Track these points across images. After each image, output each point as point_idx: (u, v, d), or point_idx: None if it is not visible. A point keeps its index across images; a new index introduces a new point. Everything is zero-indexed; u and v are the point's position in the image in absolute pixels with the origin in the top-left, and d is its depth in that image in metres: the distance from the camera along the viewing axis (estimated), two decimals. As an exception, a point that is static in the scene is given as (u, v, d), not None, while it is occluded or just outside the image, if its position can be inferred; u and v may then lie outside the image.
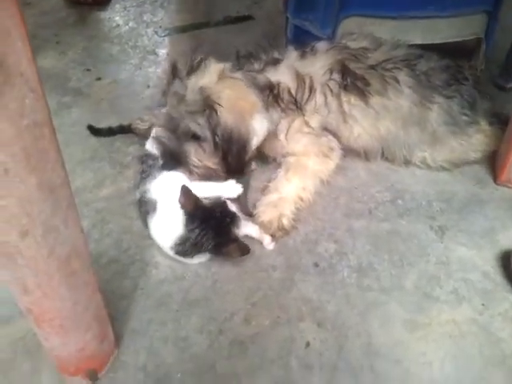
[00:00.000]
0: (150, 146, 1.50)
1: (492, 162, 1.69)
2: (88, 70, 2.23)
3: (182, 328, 1.18)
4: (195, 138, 1.42)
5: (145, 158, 1.51)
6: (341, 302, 1.25)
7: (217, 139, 1.41)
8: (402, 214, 1.51)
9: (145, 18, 2.70)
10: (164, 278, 1.31)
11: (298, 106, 1.52)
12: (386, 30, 1.86)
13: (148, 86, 2.13)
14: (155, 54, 2.39)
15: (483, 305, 1.25)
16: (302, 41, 1.81)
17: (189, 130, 1.40)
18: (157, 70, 2.25)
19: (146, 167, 1.47)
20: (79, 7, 2.77)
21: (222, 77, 1.43)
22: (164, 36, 2.55)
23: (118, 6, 2.82)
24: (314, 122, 1.56)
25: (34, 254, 0.79)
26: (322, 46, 1.65)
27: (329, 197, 1.57)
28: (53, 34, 2.49)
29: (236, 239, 1.30)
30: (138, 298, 1.25)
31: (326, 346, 1.15)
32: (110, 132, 1.82)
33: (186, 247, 1.28)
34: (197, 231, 1.26)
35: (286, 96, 1.51)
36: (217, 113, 1.37)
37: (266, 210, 1.46)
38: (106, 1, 2.84)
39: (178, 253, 1.31)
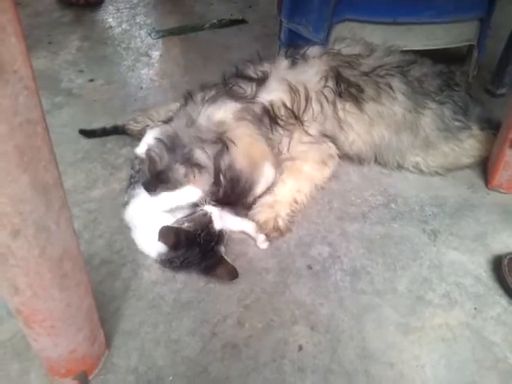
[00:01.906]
0: (140, 151, 1.48)
1: (484, 167, 1.70)
2: (81, 71, 2.22)
3: (174, 330, 1.17)
4: (192, 163, 1.39)
5: (134, 162, 1.50)
6: (334, 305, 1.24)
7: (221, 176, 1.40)
8: (395, 218, 1.51)
9: (138, 20, 2.70)
10: (156, 280, 1.30)
11: (296, 118, 1.51)
12: (379, 35, 1.87)
13: (141, 88, 2.12)
14: (148, 55, 2.38)
15: (475, 309, 1.25)
16: (296, 45, 1.82)
17: (192, 154, 1.38)
18: (150, 72, 2.24)
19: (135, 172, 1.46)
20: (72, 8, 2.76)
21: (238, 118, 1.43)
22: (157, 38, 2.54)
23: (111, 7, 2.82)
24: (313, 129, 1.55)
25: (25, 253, 0.77)
26: (313, 51, 1.65)
27: (322, 200, 1.57)
28: (46, 34, 2.48)
29: (222, 261, 1.27)
30: (129, 299, 1.24)
31: (320, 349, 1.14)
32: (103, 132, 1.81)
33: (171, 266, 1.28)
34: (181, 258, 1.25)
35: (283, 112, 1.50)
36: (227, 151, 1.38)
37: (262, 211, 1.46)
38: (98, 2, 2.84)
39: (163, 265, 1.30)
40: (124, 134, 1.78)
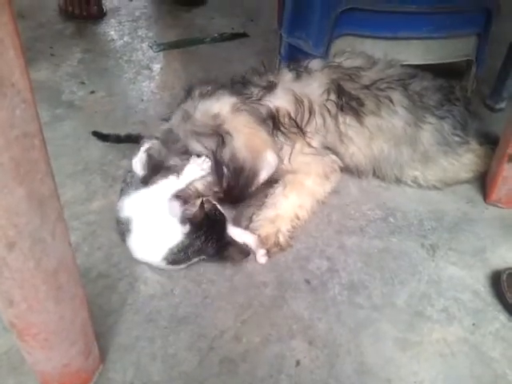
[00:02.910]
0: (135, 163, 1.46)
1: (482, 182, 1.70)
2: (82, 83, 2.23)
3: (171, 345, 1.16)
4: (186, 154, 1.42)
5: (127, 174, 1.49)
6: (332, 320, 1.24)
7: (224, 169, 1.43)
8: (394, 232, 1.51)
9: (139, 33, 2.71)
10: (153, 294, 1.29)
11: (299, 129, 1.52)
12: (379, 49, 1.88)
13: (142, 100, 2.13)
14: (149, 68, 2.40)
15: (474, 324, 1.25)
16: (296, 59, 1.83)
17: (187, 147, 1.41)
18: (151, 85, 2.25)
19: (125, 184, 1.45)
20: (74, 21, 2.78)
21: (234, 110, 1.44)
22: (158, 51, 2.56)
23: (113, 20, 2.84)
24: (315, 142, 1.56)
25: (20, 266, 0.77)
26: (315, 64, 1.65)
27: (321, 214, 1.57)
28: (47, 46, 2.50)
29: (233, 240, 1.32)
30: (126, 313, 1.23)
31: (317, 364, 1.13)
32: (117, 139, 1.82)
33: (185, 255, 1.28)
34: (203, 238, 1.28)
35: (286, 121, 1.51)
36: (226, 143, 1.40)
37: (264, 225, 1.45)
38: (100, 15, 2.86)
39: (172, 262, 1.29)
40: (136, 143, 1.78)
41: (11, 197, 0.70)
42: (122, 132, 1.83)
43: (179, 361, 1.13)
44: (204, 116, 1.43)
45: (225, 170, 1.42)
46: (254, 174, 1.45)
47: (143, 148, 1.47)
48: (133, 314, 1.23)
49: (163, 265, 1.31)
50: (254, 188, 1.49)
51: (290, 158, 1.52)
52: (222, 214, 1.34)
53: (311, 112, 1.54)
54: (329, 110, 1.56)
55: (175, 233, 1.28)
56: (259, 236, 1.43)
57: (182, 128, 1.43)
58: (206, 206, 1.30)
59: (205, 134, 1.41)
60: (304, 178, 1.55)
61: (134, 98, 2.15)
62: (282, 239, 1.43)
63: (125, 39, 2.65)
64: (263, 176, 1.48)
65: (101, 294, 1.28)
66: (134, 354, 1.14)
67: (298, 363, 1.14)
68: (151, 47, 2.58)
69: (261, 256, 1.39)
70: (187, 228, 1.28)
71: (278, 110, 1.50)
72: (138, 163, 1.42)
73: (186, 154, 1.42)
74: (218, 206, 1.35)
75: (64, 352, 0.96)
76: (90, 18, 2.82)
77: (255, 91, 1.53)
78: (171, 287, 1.30)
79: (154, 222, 1.32)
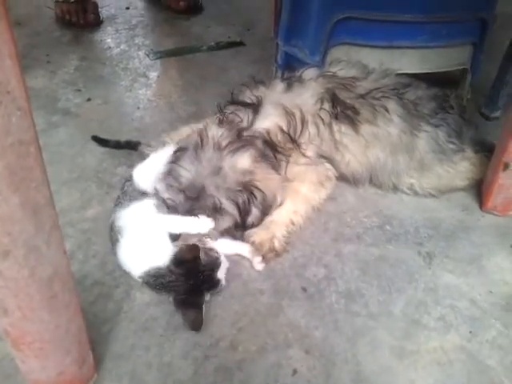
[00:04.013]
0: (137, 175, 1.46)
1: (478, 190, 1.70)
2: (78, 90, 2.24)
3: (167, 353, 1.16)
4: (216, 210, 1.39)
5: (124, 182, 1.47)
6: (329, 328, 1.23)
7: (248, 219, 1.46)
8: (390, 240, 1.51)
9: (136, 41, 2.72)
10: (149, 302, 1.28)
11: (293, 142, 1.52)
12: (374, 58, 1.89)
13: (138, 108, 2.13)
14: (146, 76, 2.40)
15: (471, 332, 1.24)
16: (292, 67, 1.83)
17: (219, 204, 1.39)
18: (147, 92, 2.26)
19: (121, 193, 1.43)
20: (71, 29, 2.79)
21: (254, 161, 1.44)
22: (155, 59, 2.56)
23: (109, 28, 2.84)
24: (310, 151, 1.55)
25: (14, 274, 0.77)
26: (309, 74, 1.66)
27: (318, 221, 1.57)
28: (44, 53, 2.50)
29: (200, 307, 1.21)
30: (121, 321, 1.22)
31: (314, 373, 1.13)
32: (116, 145, 1.82)
33: (156, 282, 1.24)
34: (173, 277, 1.21)
35: (280, 138, 1.50)
36: (257, 198, 1.43)
37: (258, 232, 1.45)
38: (97, 23, 2.87)
39: (147, 283, 1.27)
40: (135, 151, 1.79)
41: (6, 205, 0.70)
42: (120, 139, 1.83)
43: (174, 369, 1.12)
44: (234, 172, 1.41)
45: (254, 211, 1.45)
46: (272, 207, 1.51)
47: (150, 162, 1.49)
48: (128, 321, 1.22)
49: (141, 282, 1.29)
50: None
51: (285, 171, 1.52)
52: (212, 280, 1.25)
53: (303, 122, 1.54)
54: (322, 119, 1.56)
55: (158, 257, 1.25)
56: (253, 243, 1.43)
57: (212, 182, 1.39)
58: (200, 253, 1.24)
59: (236, 190, 1.40)
60: (299, 185, 1.55)
61: (131, 106, 2.15)
62: (277, 244, 1.43)
63: (121, 47, 2.66)
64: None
65: (96, 302, 1.27)
66: (130, 362, 1.13)
67: (294, 372, 1.13)
68: (148, 55, 2.59)
69: (257, 263, 1.39)
70: (171, 257, 1.24)
71: (269, 133, 1.49)
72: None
73: (216, 211, 1.39)
74: (217, 272, 1.26)
75: (59, 361, 0.95)
76: (87, 25, 2.83)
77: (245, 118, 1.52)
78: (167, 295, 1.29)
79: (144, 238, 1.29)
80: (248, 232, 1.47)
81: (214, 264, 1.25)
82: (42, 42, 2.64)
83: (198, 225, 1.36)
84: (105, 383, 1.09)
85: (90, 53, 2.60)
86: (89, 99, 2.17)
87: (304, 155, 1.54)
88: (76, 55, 2.54)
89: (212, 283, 1.25)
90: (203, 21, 3.00)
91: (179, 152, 1.48)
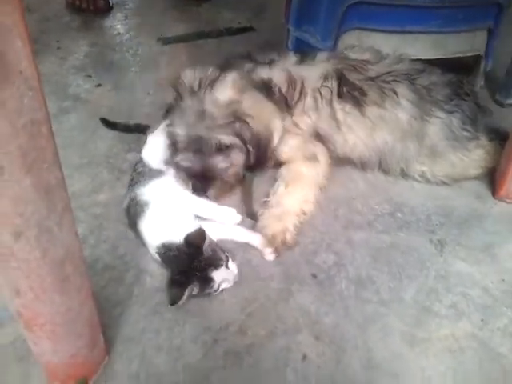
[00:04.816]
0: (146, 154, 1.49)
1: (491, 177, 1.68)
2: (88, 76, 2.23)
3: (176, 337, 1.16)
4: (221, 149, 1.42)
5: (136, 164, 1.50)
6: (339, 315, 1.23)
7: (248, 146, 1.46)
8: (402, 227, 1.50)
9: (146, 27, 2.71)
10: (159, 286, 1.28)
11: (287, 105, 1.53)
12: (387, 43, 1.86)
13: (148, 94, 2.12)
14: (156, 62, 2.39)
15: (482, 320, 1.23)
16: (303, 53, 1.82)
17: (219, 142, 1.41)
18: (157, 78, 2.25)
19: (136, 174, 1.45)
20: (81, 14, 2.78)
21: (238, 89, 1.44)
22: (165, 45, 2.55)
23: (119, 14, 2.83)
24: (303, 124, 1.57)
25: (26, 255, 0.77)
26: (323, 54, 1.66)
27: (327, 208, 1.56)
28: (54, 39, 2.50)
29: (183, 288, 1.17)
30: (132, 305, 1.23)
31: (324, 359, 1.13)
32: (125, 128, 1.83)
33: (165, 255, 1.26)
34: (176, 253, 1.23)
35: (277, 93, 1.53)
36: (248, 124, 1.42)
37: (270, 224, 1.44)
38: (107, 9, 2.86)
39: (157, 253, 1.28)
40: (144, 135, 1.78)
41: (18, 185, 0.70)
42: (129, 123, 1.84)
43: (184, 353, 1.13)
44: (218, 107, 1.40)
45: (249, 147, 1.46)
46: (269, 142, 1.50)
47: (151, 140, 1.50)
48: (139, 305, 1.23)
49: (156, 256, 1.30)
50: (271, 152, 1.54)
51: (281, 137, 1.54)
52: (204, 273, 1.21)
53: (301, 93, 1.55)
54: (321, 95, 1.56)
55: (176, 231, 1.26)
56: (266, 235, 1.42)
57: (202, 127, 1.40)
58: (206, 246, 1.23)
59: (226, 123, 1.40)
60: (297, 166, 1.55)
61: (141, 92, 2.15)
62: (288, 237, 1.42)
63: (131, 33, 2.65)
64: (276, 140, 1.53)
65: (107, 286, 1.27)
66: (140, 345, 1.14)
67: (304, 357, 1.13)
68: (157, 41, 2.57)
69: (268, 254, 1.38)
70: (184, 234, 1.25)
71: (270, 80, 1.53)
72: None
73: (222, 150, 1.42)
74: (224, 257, 1.26)
75: (70, 343, 0.96)
76: (97, 11, 2.82)
77: (247, 66, 1.56)
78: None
79: (169, 212, 1.33)
80: (260, 224, 1.46)
81: (212, 262, 1.22)
82: (52, 27, 2.63)
83: (226, 216, 1.40)
84: (115, 366, 1.10)
85: (100, 39, 2.59)
86: (99, 85, 2.17)
87: (296, 125, 1.55)
88: (86, 41, 2.53)
89: (202, 278, 1.20)
90: (213, 6, 2.98)
91: (168, 113, 1.51)
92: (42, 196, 0.74)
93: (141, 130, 1.79)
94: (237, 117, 1.41)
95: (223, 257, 1.24)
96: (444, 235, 1.47)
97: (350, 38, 1.94)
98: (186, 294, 1.17)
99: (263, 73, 1.54)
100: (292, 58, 1.64)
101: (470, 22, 1.94)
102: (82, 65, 2.32)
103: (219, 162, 1.44)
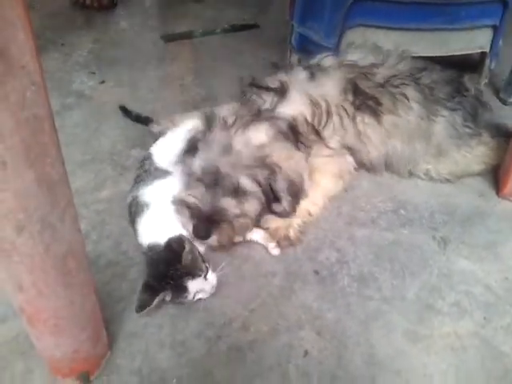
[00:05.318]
0: (156, 152, 1.49)
1: (495, 175, 1.68)
2: (92, 72, 2.24)
3: (180, 332, 1.16)
4: (237, 192, 1.34)
5: (143, 161, 1.50)
6: (341, 311, 1.23)
7: (281, 195, 1.38)
8: (405, 225, 1.50)
9: (150, 24, 2.71)
10: (162, 282, 1.28)
11: (317, 135, 1.49)
12: (391, 40, 1.86)
13: (151, 90, 2.13)
14: (159, 59, 2.39)
15: (485, 318, 1.23)
16: (307, 49, 1.81)
17: (238, 183, 1.32)
18: (160, 75, 2.25)
19: (142, 171, 1.45)
20: (86, 11, 2.79)
21: (270, 137, 1.38)
22: (168, 41, 2.55)
23: (123, 10, 2.84)
24: (333, 143, 1.54)
25: (29, 250, 0.77)
26: (328, 62, 1.63)
27: (331, 205, 1.55)
28: (58, 36, 2.50)
29: (153, 296, 1.15)
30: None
31: (326, 354, 1.13)
32: (137, 119, 1.87)
33: (147, 255, 1.26)
34: (152, 256, 1.23)
35: (305, 129, 1.47)
36: (277, 173, 1.35)
37: (275, 218, 1.43)
38: (111, 5, 2.86)
39: (143, 252, 1.29)
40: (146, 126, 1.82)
41: (21, 180, 0.70)
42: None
43: (187, 348, 1.13)
44: (248, 148, 1.34)
45: (282, 195, 1.38)
46: (302, 185, 1.43)
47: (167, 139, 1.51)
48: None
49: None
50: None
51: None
52: (186, 274, 1.18)
53: (329, 114, 1.51)
54: (346, 110, 1.54)
55: (162, 234, 1.25)
56: (268, 229, 1.42)
57: (225, 162, 1.32)
58: (186, 254, 1.19)
59: (252, 166, 1.33)
60: (320, 177, 1.53)
61: (144, 89, 2.15)
62: (291, 233, 1.42)
63: (135, 29, 2.65)
64: (307, 182, 1.46)
65: (110, 282, 1.28)
66: (143, 341, 1.14)
67: (306, 353, 1.13)
68: (161, 37, 2.58)
69: (272, 248, 1.39)
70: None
71: (295, 120, 1.46)
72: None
73: (237, 192, 1.33)
74: (204, 268, 1.21)
75: (73, 338, 0.96)
76: (101, 8, 2.83)
77: (268, 99, 1.49)
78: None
79: (162, 215, 1.32)
80: (265, 218, 1.45)
81: (190, 271, 1.19)
82: (56, 24, 2.64)
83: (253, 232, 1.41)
84: (118, 361, 1.10)
85: (104, 35, 2.59)
86: (102, 82, 2.18)
87: (328, 147, 1.52)
88: (90, 38, 2.54)
89: (177, 286, 1.17)
90: (217, 3, 2.98)
91: (190, 143, 1.43)
92: (45, 191, 0.74)
93: (147, 123, 1.81)
94: (265, 164, 1.34)
95: (203, 267, 1.21)
96: (447, 233, 1.47)
97: (353, 35, 1.94)
98: (156, 300, 1.15)
99: (284, 109, 1.47)
100: (300, 73, 1.58)
101: (475, 19, 1.94)
102: (85, 61, 2.33)
103: (231, 207, 1.33)
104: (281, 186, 1.36)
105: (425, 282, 1.32)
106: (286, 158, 1.38)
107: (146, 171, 1.44)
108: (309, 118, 1.49)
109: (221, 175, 1.32)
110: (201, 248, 1.30)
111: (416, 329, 1.19)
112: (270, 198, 1.38)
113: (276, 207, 1.41)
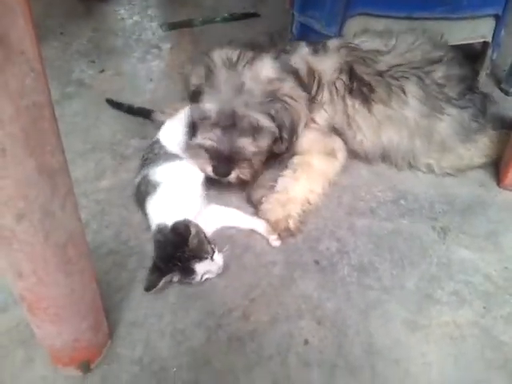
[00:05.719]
0: (163, 136, 1.49)
1: (496, 166, 1.67)
2: (92, 61, 2.23)
3: (180, 321, 1.17)
4: (256, 129, 1.38)
5: (152, 145, 1.49)
6: (341, 301, 1.23)
7: (283, 132, 1.43)
8: (404, 214, 1.49)
9: (149, 12, 2.69)
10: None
11: (309, 94, 1.50)
12: (392, 29, 1.84)
13: (150, 80, 2.12)
14: (159, 47, 2.38)
15: (485, 307, 1.23)
16: (308, 39, 1.80)
17: (256, 121, 1.35)
18: (160, 64, 2.24)
19: (152, 154, 1.45)
20: (85, 0, 2.76)
21: (277, 69, 1.41)
22: (168, 30, 2.53)
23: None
24: (320, 119, 1.54)
25: (29, 238, 0.77)
26: (333, 43, 1.62)
27: (331, 195, 1.55)
28: (58, 25, 2.49)
29: (160, 276, 1.18)
30: (135, 289, 1.23)
31: (325, 343, 1.13)
32: (129, 110, 1.85)
33: (156, 237, 1.27)
34: (161, 238, 1.24)
35: (305, 82, 1.50)
36: (287, 106, 1.39)
37: (274, 209, 1.43)
38: (111, -6, 2.84)
39: (154, 235, 1.29)
40: (147, 119, 1.80)
41: (21, 167, 0.70)
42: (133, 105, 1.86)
43: (187, 337, 1.13)
44: (259, 83, 1.35)
45: (284, 133, 1.43)
46: (298, 127, 1.48)
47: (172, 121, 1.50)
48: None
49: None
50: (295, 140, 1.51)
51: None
52: (193, 257, 1.20)
53: (319, 86, 1.52)
54: (337, 89, 1.54)
55: (171, 216, 1.26)
56: (268, 221, 1.42)
57: (240, 102, 1.33)
58: (193, 237, 1.21)
59: (266, 102, 1.35)
60: (310, 158, 1.53)
61: (143, 78, 2.14)
62: (291, 224, 1.41)
63: (134, 18, 2.64)
64: (301, 129, 1.50)
65: (110, 271, 1.28)
66: (143, 330, 1.14)
67: (306, 342, 1.13)
68: (161, 26, 2.56)
69: (273, 240, 1.38)
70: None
71: (297, 69, 1.49)
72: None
73: (255, 131, 1.37)
74: (211, 250, 1.23)
75: (74, 327, 0.97)
76: (101, -4, 2.80)
77: (273, 50, 1.51)
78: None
79: (173, 196, 1.33)
80: (263, 208, 1.45)
81: (197, 254, 1.20)
82: (56, 12, 2.62)
83: (257, 224, 1.42)
84: (118, 350, 1.10)
85: (104, 24, 2.58)
86: (102, 70, 2.16)
87: (313, 120, 1.53)
88: (89, 26, 2.52)
89: (184, 268, 1.20)
90: (217, -8, 2.95)
91: (195, 94, 1.44)
92: (46, 179, 0.74)
93: (143, 114, 1.80)
94: (277, 97, 1.37)
95: (209, 249, 1.22)
96: (447, 223, 1.47)
97: (355, 24, 1.92)
98: (163, 281, 1.18)
99: (288, 60, 1.50)
100: (304, 48, 1.59)
101: (476, 8, 1.92)
102: (85, 50, 2.31)
103: (249, 145, 1.39)
104: (284, 119, 1.41)
105: (424, 272, 1.32)
106: (292, 94, 1.41)
107: (156, 154, 1.44)
108: (305, 81, 1.50)
109: (238, 116, 1.34)
110: (208, 229, 1.32)
111: (415, 318, 1.20)
112: (282, 131, 1.43)
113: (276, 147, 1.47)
